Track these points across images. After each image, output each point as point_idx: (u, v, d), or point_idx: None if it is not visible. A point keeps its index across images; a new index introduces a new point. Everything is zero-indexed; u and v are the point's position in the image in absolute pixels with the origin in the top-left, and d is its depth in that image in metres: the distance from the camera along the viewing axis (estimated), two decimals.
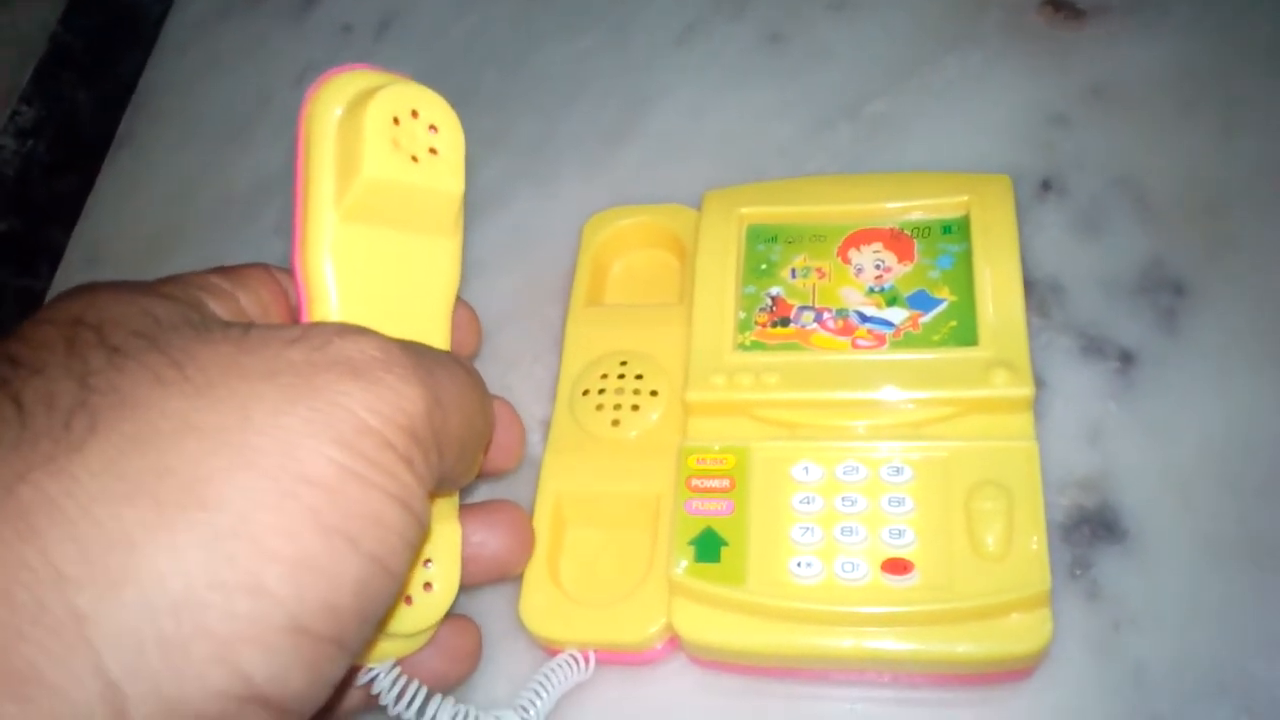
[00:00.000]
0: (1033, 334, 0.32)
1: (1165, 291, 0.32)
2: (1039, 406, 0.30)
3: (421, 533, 0.19)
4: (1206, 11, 0.38)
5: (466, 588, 0.27)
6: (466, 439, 0.22)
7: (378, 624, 0.19)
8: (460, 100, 0.43)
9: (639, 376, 0.31)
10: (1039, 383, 0.31)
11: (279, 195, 0.43)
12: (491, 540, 0.27)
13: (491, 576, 0.28)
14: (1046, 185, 0.35)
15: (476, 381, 0.23)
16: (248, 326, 0.19)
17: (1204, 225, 0.33)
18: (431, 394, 0.20)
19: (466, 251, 0.40)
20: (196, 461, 0.16)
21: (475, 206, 0.40)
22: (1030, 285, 0.33)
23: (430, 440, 0.20)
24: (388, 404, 0.18)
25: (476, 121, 0.43)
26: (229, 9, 0.51)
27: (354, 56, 0.47)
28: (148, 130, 0.48)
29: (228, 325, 0.19)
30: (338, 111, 0.23)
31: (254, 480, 0.16)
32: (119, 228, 0.46)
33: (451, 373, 0.21)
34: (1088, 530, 0.28)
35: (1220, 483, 0.28)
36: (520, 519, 0.29)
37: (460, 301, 0.27)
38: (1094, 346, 0.31)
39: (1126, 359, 0.31)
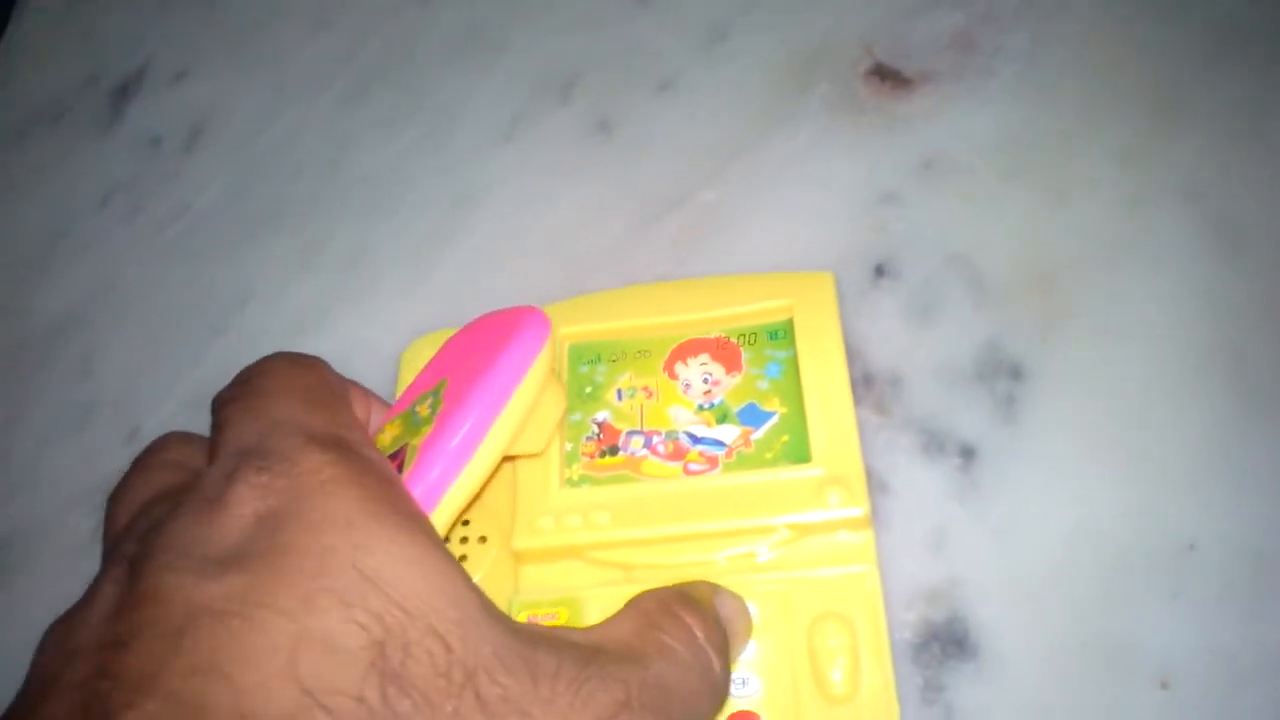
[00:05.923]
0: (872, 433, 0.31)
1: (1002, 376, 0.31)
2: (882, 514, 0.29)
3: None
4: (1030, 72, 0.37)
5: None
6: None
7: None
8: (271, 214, 0.41)
9: (465, 523, 0.29)
10: (881, 487, 0.30)
11: (81, 334, 0.40)
12: None
13: None
14: (880, 270, 0.34)
15: (699, 668, 0.23)
16: (545, 677, 0.20)
17: (1037, 300, 0.32)
18: None
19: None
20: None
21: (288, 330, 0.38)
22: (869, 380, 0.32)
23: None
24: None
25: (289, 238, 0.41)
26: (28, 125, 0.47)
27: (163, 172, 0.44)
28: None
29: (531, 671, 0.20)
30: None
31: None
32: None
33: (681, 675, 0.22)
34: (938, 648, 0.27)
35: (1067, 584, 0.27)
36: None
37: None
38: (935, 443, 0.30)
39: (968, 454, 0.30)
